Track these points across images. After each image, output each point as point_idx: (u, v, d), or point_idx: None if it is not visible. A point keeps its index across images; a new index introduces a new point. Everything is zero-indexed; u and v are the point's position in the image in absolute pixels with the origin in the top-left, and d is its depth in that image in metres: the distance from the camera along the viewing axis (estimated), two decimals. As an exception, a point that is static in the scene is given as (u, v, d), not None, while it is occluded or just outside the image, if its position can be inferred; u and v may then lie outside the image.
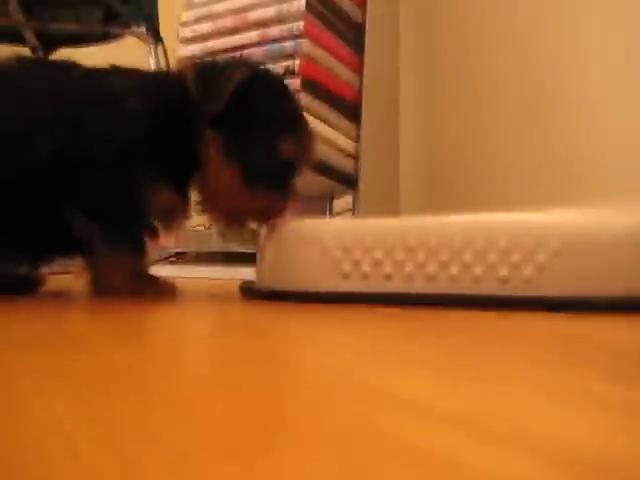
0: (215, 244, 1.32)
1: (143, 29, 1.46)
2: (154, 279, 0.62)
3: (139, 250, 0.61)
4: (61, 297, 0.71)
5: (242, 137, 0.58)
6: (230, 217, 0.62)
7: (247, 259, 1.27)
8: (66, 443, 0.15)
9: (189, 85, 0.57)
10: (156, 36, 1.45)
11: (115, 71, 0.63)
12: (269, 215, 0.60)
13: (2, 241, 0.61)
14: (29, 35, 1.46)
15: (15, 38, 1.49)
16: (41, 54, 1.51)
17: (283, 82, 0.65)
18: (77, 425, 0.16)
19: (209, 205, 0.62)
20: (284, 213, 0.61)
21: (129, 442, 0.15)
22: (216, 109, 0.56)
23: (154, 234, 0.63)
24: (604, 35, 1.20)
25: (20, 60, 0.63)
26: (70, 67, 0.63)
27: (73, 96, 0.60)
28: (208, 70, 0.59)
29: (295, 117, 0.62)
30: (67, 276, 0.99)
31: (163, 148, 0.59)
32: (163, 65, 1.33)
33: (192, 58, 0.63)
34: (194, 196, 0.63)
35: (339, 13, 1.32)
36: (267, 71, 0.64)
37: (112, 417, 0.17)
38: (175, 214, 0.63)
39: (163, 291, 0.62)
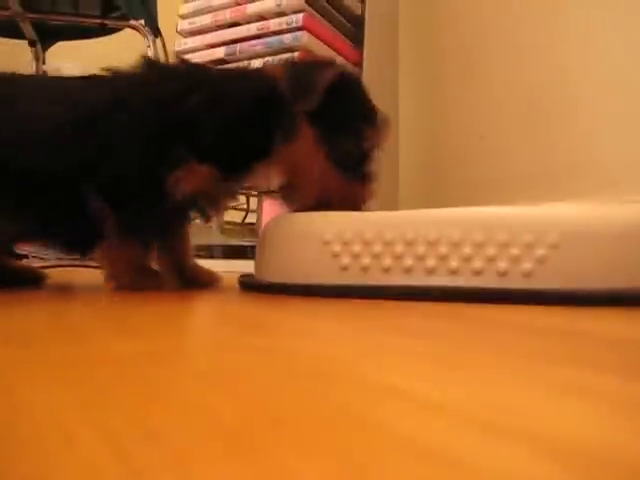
0: (214, 237, 1.32)
1: (142, 22, 1.46)
2: (156, 273, 0.64)
3: (147, 242, 0.62)
4: (60, 290, 0.71)
5: (330, 129, 0.62)
6: (319, 201, 0.63)
7: (246, 252, 1.27)
8: (65, 438, 0.15)
9: (279, 83, 0.61)
10: (155, 29, 1.45)
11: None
12: (355, 202, 0.63)
13: (25, 227, 0.64)
14: (27, 28, 1.46)
15: (13, 31, 1.49)
16: (39, 47, 1.50)
17: (359, 80, 0.69)
18: (76, 419, 0.16)
19: (299, 190, 0.64)
20: (367, 200, 0.64)
21: (128, 437, 0.15)
22: (311, 105, 0.60)
23: (202, 214, 0.66)
24: (605, 33, 1.20)
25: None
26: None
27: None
28: (300, 70, 0.64)
29: (372, 110, 0.66)
30: (72, 269, 0.99)
31: (218, 133, 0.61)
32: (162, 58, 1.33)
33: (284, 61, 0.69)
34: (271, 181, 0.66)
35: (338, 6, 1.32)
36: (346, 70, 0.68)
37: (111, 412, 0.17)
38: (217, 196, 0.65)
39: (163, 284, 0.63)
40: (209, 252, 1.34)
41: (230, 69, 0.71)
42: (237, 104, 0.61)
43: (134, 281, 0.60)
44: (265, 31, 1.22)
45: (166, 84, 0.62)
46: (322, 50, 1.24)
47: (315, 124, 0.62)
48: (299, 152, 0.62)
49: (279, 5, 1.21)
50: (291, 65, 0.65)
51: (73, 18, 1.48)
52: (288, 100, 0.61)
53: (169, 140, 0.59)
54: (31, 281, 0.71)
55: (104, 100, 0.61)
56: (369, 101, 0.66)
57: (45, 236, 0.67)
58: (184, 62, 0.72)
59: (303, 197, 0.64)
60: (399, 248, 0.53)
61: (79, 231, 0.63)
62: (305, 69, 0.64)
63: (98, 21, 1.47)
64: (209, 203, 0.65)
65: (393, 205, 1.58)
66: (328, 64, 0.64)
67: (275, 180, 0.65)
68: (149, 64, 0.66)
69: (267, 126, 0.61)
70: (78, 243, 0.65)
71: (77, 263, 1.04)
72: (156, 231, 0.63)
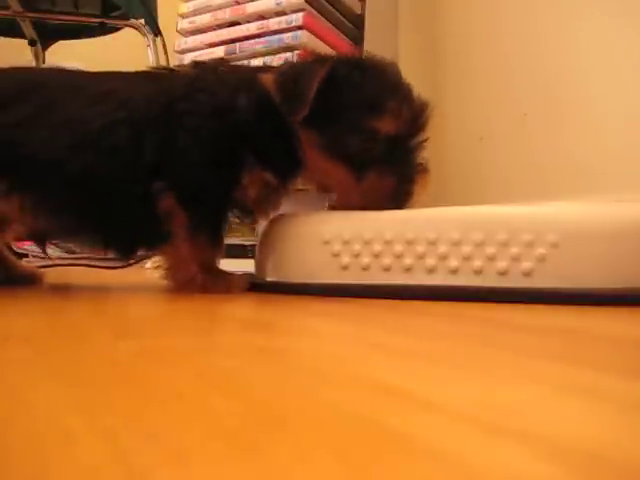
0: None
1: (142, 21, 1.46)
2: (224, 273, 0.62)
3: (218, 242, 0.61)
4: (60, 289, 0.71)
5: (334, 128, 0.59)
6: (353, 203, 0.60)
7: (246, 251, 1.27)
8: (64, 437, 0.15)
9: (273, 94, 0.59)
10: (155, 28, 1.45)
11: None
12: (395, 199, 0.59)
13: (89, 225, 0.63)
14: (27, 27, 1.46)
15: (13, 30, 1.49)
16: (39, 46, 1.50)
17: (368, 64, 0.63)
18: (76, 420, 0.16)
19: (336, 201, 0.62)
20: (413, 194, 0.60)
21: (128, 437, 0.15)
22: (302, 114, 0.57)
23: (249, 218, 0.66)
24: (606, 33, 1.20)
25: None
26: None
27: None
28: (289, 78, 0.59)
29: (378, 97, 0.60)
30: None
31: (267, 141, 0.60)
32: (162, 58, 1.33)
33: (275, 68, 0.64)
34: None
35: (338, 5, 1.31)
36: (348, 58, 0.64)
37: (111, 411, 0.17)
38: (269, 202, 0.65)
39: (233, 286, 0.61)
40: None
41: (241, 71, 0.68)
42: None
43: (207, 283, 0.59)
44: (265, 30, 1.22)
45: (222, 88, 0.61)
46: (322, 49, 1.24)
47: (316, 127, 0.59)
48: (311, 158, 0.61)
49: (279, 4, 1.21)
50: (282, 73, 0.61)
51: (73, 17, 1.48)
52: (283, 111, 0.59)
53: (239, 146, 0.59)
54: (30, 281, 0.71)
55: (171, 100, 0.60)
56: (376, 88, 0.60)
57: (102, 237, 0.64)
58: (225, 62, 0.70)
59: (339, 200, 0.62)
60: (399, 247, 0.53)
61: (138, 232, 0.63)
62: (294, 76, 0.60)
63: (98, 20, 1.47)
64: (261, 208, 0.65)
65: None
66: (320, 61, 0.61)
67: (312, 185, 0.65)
68: (201, 66, 0.66)
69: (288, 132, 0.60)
70: (133, 243, 0.64)
71: (77, 262, 1.04)
72: (221, 233, 0.62)
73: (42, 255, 0.97)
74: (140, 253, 0.67)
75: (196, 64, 0.67)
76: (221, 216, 0.61)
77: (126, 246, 0.64)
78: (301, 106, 0.57)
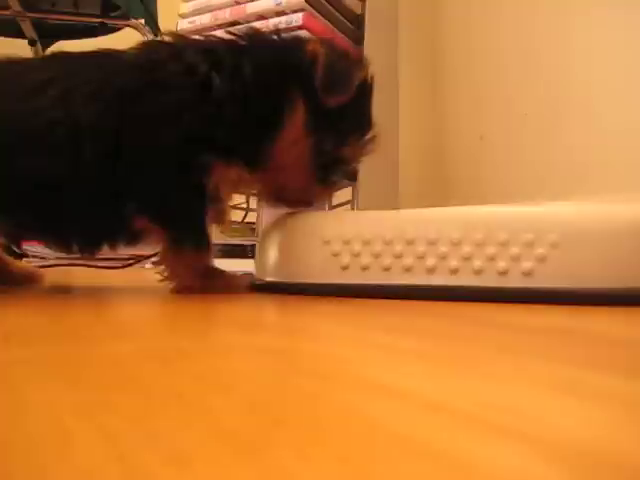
0: (214, 236, 1.32)
1: (142, 21, 1.46)
2: (222, 273, 0.62)
3: (205, 246, 0.60)
4: (60, 290, 0.71)
5: (323, 123, 0.60)
6: (279, 193, 0.62)
7: (246, 252, 1.27)
8: (64, 437, 0.15)
9: (312, 69, 0.58)
10: (155, 28, 1.45)
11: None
12: (308, 201, 0.63)
13: (60, 233, 0.62)
14: (27, 27, 1.46)
15: (13, 30, 1.49)
16: (39, 46, 1.50)
17: (372, 86, 0.65)
18: (76, 420, 0.16)
19: (269, 179, 0.62)
20: (314, 203, 0.63)
21: (127, 437, 0.15)
22: (340, 102, 0.58)
23: (221, 216, 0.64)
24: (607, 34, 1.20)
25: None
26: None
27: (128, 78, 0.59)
28: (337, 62, 0.60)
29: (367, 122, 0.64)
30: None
31: (239, 123, 0.58)
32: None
33: (322, 41, 0.62)
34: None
35: (338, 5, 1.31)
36: (369, 74, 0.65)
37: (111, 411, 0.17)
38: (242, 189, 0.65)
39: (232, 285, 0.61)
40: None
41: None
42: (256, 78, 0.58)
43: (205, 286, 0.58)
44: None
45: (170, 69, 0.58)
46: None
47: (311, 113, 0.59)
48: (289, 132, 0.59)
49: (279, 4, 1.21)
50: (330, 51, 0.60)
51: (73, 17, 1.48)
52: (315, 85, 0.58)
53: (201, 147, 0.57)
54: (29, 281, 0.71)
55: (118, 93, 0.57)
56: (368, 111, 0.64)
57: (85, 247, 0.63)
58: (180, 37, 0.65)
59: (269, 181, 0.62)
60: (399, 247, 0.53)
61: (100, 230, 0.62)
62: (342, 63, 0.60)
63: (98, 20, 1.47)
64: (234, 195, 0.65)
65: (393, 204, 1.58)
66: (360, 63, 0.62)
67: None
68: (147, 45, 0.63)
69: (280, 98, 0.59)
70: (97, 241, 0.63)
71: (77, 262, 1.04)
72: (206, 236, 0.61)
73: (41, 255, 0.97)
74: (133, 252, 0.67)
75: (146, 43, 0.63)
76: (201, 220, 0.60)
77: (90, 244, 0.63)
78: (345, 91, 0.58)
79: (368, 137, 0.63)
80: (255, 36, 0.63)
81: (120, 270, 1.08)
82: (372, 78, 0.63)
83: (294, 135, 0.59)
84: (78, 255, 0.66)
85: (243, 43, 0.61)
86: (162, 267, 0.60)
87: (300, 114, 0.59)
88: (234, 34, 0.63)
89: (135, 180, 0.57)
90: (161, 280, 0.60)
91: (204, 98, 0.57)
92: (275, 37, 0.64)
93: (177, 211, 0.59)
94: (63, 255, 0.70)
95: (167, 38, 0.63)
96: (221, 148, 0.57)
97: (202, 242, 0.60)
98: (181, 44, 0.62)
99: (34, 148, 0.56)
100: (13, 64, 0.64)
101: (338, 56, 0.61)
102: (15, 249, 0.82)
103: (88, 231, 0.62)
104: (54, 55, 0.63)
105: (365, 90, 0.62)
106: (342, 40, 1.34)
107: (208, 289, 0.58)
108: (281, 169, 0.61)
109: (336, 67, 0.59)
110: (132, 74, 0.59)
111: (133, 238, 0.61)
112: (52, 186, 0.57)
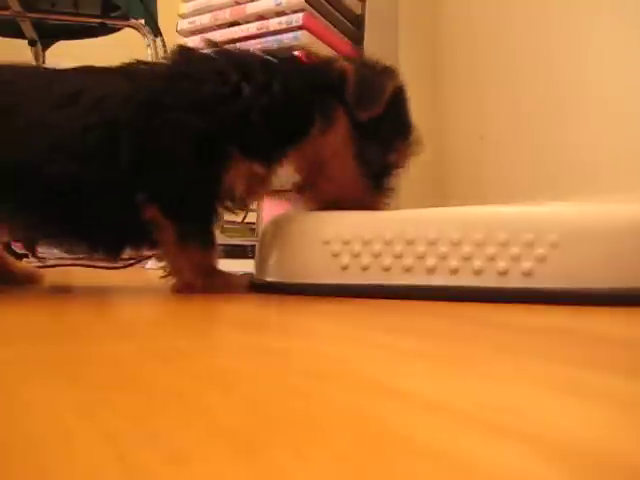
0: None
1: (142, 22, 1.46)
2: (223, 274, 0.62)
3: (210, 245, 0.60)
4: (60, 290, 0.71)
5: (366, 133, 0.62)
6: (333, 201, 0.63)
7: (246, 251, 1.27)
8: (64, 437, 0.15)
9: (343, 82, 0.60)
10: (155, 29, 1.45)
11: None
12: (365, 209, 0.63)
13: (73, 231, 0.61)
14: (27, 27, 1.46)
15: (13, 31, 1.49)
16: (39, 47, 1.50)
17: (405, 92, 0.68)
18: (76, 419, 0.16)
19: (317, 187, 0.63)
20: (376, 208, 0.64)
21: (128, 436, 0.15)
22: (373, 115, 0.60)
23: (236, 207, 0.64)
24: (607, 33, 1.20)
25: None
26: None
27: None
28: (369, 76, 0.62)
29: (408, 126, 0.66)
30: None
31: (257, 125, 0.59)
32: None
33: (351, 58, 0.66)
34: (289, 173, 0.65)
35: (338, 5, 1.31)
36: (401, 83, 0.67)
37: (111, 411, 0.17)
38: (257, 187, 0.64)
39: (232, 284, 0.61)
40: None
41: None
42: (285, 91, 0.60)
43: (206, 285, 0.59)
44: (265, 30, 1.22)
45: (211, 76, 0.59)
46: (322, 49, 1.24)
47: (353, 123, 0.61)
48: (330, 144, 0.61)
49: (279, 4, 1.21)
50: (360, 66, 0.63)
51: (73, 17, 1.48)
52: (347, 101, 0.60)
53: (223, 140, 0.58)
54: (29, 281, 0.71)
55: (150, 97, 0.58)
56: (408, 116, 0.66)
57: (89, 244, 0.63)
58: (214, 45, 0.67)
59: (320, 194, 0.63)
60: (399, 247, 0.53)
61: (124, 234, 0.62)
62: (373, 76, 0.62)
63: (98, 21, 1.47)
64: (250, 197, 0.65)
65: (393, 204, 1.58)
66: (392, 73, 0.64)
67: (298, 173, 0.65)
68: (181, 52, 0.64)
69: (308, 110, 0.60)
70: (120, 245, 0.63)
71: (77, 262, 1.04)
72: (213, 235, 0.61)
73: (42, 255, 0.97)
74: (134, 252, 0.67)
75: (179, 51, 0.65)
76: (210, 218, 0.60)
77: (113, 248, 0.63)
78: (377, 105, 0.60)
79: (411, 140, 0.65)
80: (288, 59, 0.66)
81: (120, 270, 1.08)
82: (401, 87, 0.65)
83: (336, 146, 0.61)
84: (99, 258, 0.66)
85: (275, 62, 0.63)
86: (164, 263, 0.60)
87: (342, 126, 0.61)
88: (268, 52, 0.66)
89: (151, 169, 0.57)
90: (162, 276, 0.60)
91: (232, 100, 0.58)
92: (306, 61, 0.67)
93: (188, 204, 0.59)
94: (64, 255, 0.70)
95: (202, 48, 0.66)
96: (242, 146, 0.58)
97: (208, 241, 0.60)
98: (214, 53, 0.64)
99: (68, 154, 0.57)
100: (39, 75, 0.65)
101: (368, 70, 0.63)
102: (28, 252, 0.82)
103: (114, 234, 0.62)
104: (80, 68, 0.63)
105: (400, 96, 0.64)
106: (342, 40, 1.34)
107: (208, 288, 0.58)
108: (332, 181, 0.62)
109: (366, 82, 0.61)
110: (163, 82, 0.60)
111: (153, 241, 0.61)
112: (84, 190, 0.57)
